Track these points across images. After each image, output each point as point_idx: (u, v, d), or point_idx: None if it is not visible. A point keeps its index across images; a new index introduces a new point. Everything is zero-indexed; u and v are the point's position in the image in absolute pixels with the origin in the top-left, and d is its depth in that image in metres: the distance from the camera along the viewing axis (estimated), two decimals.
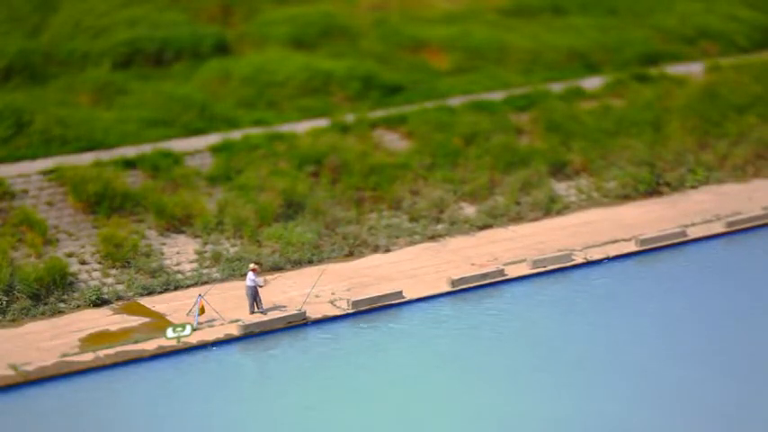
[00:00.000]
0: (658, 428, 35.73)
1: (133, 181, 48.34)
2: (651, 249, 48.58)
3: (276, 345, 40.98)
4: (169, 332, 40.29)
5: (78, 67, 57.01)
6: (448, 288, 44.77)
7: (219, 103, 55.07)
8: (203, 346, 40.56)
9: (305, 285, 44.28)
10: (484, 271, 45.70)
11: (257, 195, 48.57)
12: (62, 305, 42.61)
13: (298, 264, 46.40)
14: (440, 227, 49.69)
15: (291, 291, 44.23)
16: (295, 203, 48.75)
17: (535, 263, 46.46)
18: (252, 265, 42.38)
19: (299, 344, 41.03)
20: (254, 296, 42.15)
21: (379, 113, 55.30)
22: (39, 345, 39.97)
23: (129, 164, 49.07)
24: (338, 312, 42.85)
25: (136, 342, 40.40)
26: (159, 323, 41.60)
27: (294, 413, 36.79)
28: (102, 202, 46.69)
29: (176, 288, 44.24)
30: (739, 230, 50.70)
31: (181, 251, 45.98)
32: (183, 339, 40.43)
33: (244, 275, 45.04)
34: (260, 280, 42.27)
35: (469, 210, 50.98)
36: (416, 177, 51.82)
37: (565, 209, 52.24)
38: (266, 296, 43.31)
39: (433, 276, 45.65)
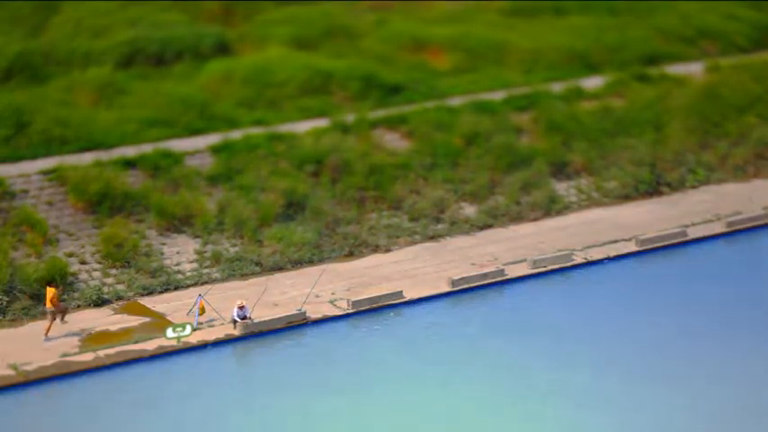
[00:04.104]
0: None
1: (133, 181, 48.35)
2: (651, 249, 48.58)
3: (276, 344, 40.98)
4: (169, 332, 40.29)
5: (79, 67, 57.04)
6: (448, 288, 44.77)
7: (220, 103, 55.09)
8: (203, 345, 40.58)
9: (305, 285, 44.29)
10: (484, 271, 45.70)
11: (258, 195, 48.57)
12: (62, 305, 42.56)
13: (298, 264, 46.40)
14: (440, 227, 49.71)
15: (291, 291, 44.24)
16: (295, 203, 48.75)
17: (535, 263, 46.46)
18: (239, 302, 41.89)
19: (298, 343, 41.07)
20: (234, 320, 41.61)
21: (380, 113, 55.31)
22: (39, 345, 39.97)
23: (129, 164, 49.07)
24: (338, 312, 42.85)
25: (136, 342, 40.40)
26: (159, 323, 41.60)
27: (293, 413, 36.81)
28: (102, 202, 46.69)
29: (176, 288, 44.25)
30: (739, 230, 50.69)
31: (181, 251, 45.99)
32: (183, 339, 40.44)
33: (244, 275, 45.14)
34: (241, 312, 41.57)
35: (470, 210, 50.99)
36: (416, 177, 51.83)
37: (565, 209, 52.27)
38: (266, 296, 43.30)
39: (433, 276, 45.65)
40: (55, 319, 40.74)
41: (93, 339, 40.47)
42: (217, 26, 63.32)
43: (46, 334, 40.46)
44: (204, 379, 38.79)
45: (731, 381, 38.37)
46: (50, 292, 40.70)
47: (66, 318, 41.44)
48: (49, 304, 40.58)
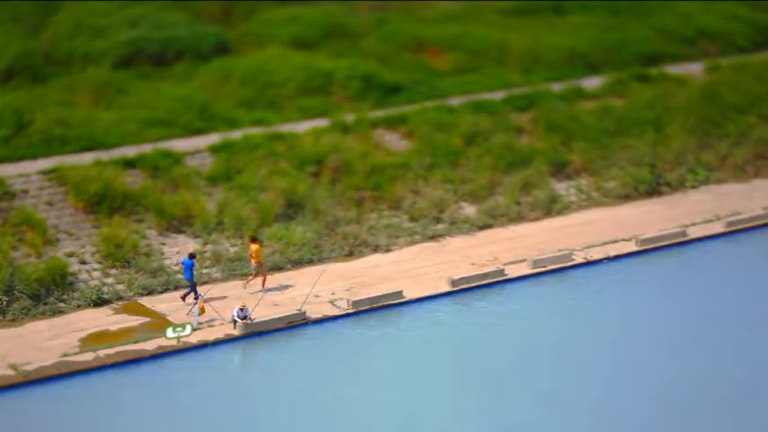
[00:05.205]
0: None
1: (133, 181, 48.35)
2: (651, 249, 48.58)
3: (276, 344, 40.99)
4: (169, 332, 40.29)
5: (79, 67, 57.07)
6: (448, 288, 44.79)
7: (219, 103, 55.08)
8: (203, 345, 40.58)
9: (305, 285, 44.31)
10: (484, 271, 45.71)
11: (257, 195, 48.58)
12: (62, 305, 42.62)
13: (298, 264, 46.41)
14: (440, 227, 49.71)
15: (291, 291, 44.26)
16: (295, 203, 48.76)
17: (535, 263, 46.47)
18: (240, 304, 41.88)
19: (298, 343, 41.08)
20: (235, 320, 41.65)
21: (380, 113, 55.32)
22: (39, 345, 39.97)
23: (129, 164, 49.08)
24: (338, 312, 42.86)
25: (136, 342, 40.41)
26: (159, 323, 41.61)
27: (293, 413, 36.82)
28: (102, 202, 46.69)
29: (176, 288, 44.24)
30: (739, 230, 50.70)
31: (181, 251, 45.98)
32: (183, 339, 40.44)
33: (244, 275, 45.15)
34: (242, 313, 41.57)
35: (470, 210, 50.99)
36: (416, 177, 51.83)
37: (565, 209, 52.26)
38: (267, 296, 43.32)
39: (432, 276, 45.65)
40: (263, 272, 43.90)
41: (93, 339, 40.49)
42: (217, 26, 63.28)
43: (263, 285, 43.94)
44: (204, 379, 38.79)
45: (730, 380, 38.40)
46: (254, 247, 43.59)
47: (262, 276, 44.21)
48: (255, 260, 43.49)
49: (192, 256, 43.25)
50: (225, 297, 43.42)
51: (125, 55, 58.99)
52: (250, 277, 44.25)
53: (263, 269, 44.17)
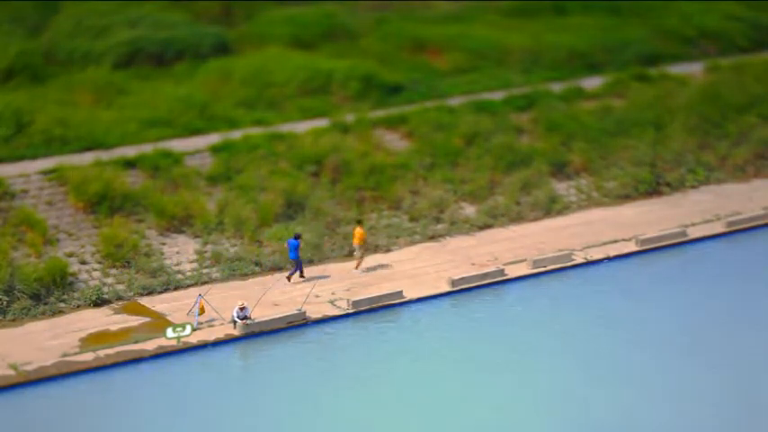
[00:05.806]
0: None
1: (133, 181, 48.36)
2: (651, 249, 48.59)
3: (276, 344, 40.99)
4: (169, 332, 40.30)
5: (79, 67, 57.08)
6: (448, 288, 44.79)
7: (219, 103, 55.10)
8: (203, 345, 40.57)
9: (305, 285, 44.30)
10: (484, 271, 45.72)
11: (257, 195, 48.58)
12: (62, 305, 42.62)
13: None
14: (440, 227, 49.71)
15: (291, 291, 44.26)
16: (295, 203, 48.76)
17: (535, 263, 46.47)
18: (240, 303, 41.80)
19: (298, 343, 41.08)
20: (234, 320, 41.62)
21: (380, 113, 55.33)
22: (39, 345, 39.98)
23: (129, 164, 49.08)
24: (338, 312, 42.86)
25: (136, 342, 40.40)
26: (159, 323, 41.61)
27: (293, 413, 36.83)
28: (102, 202, 46.69)
29: (176, 288, 44.25)
30: (739, 230, 50.71)
31: (181, 251, 46.01)
32: (182, 339, 40.44)
33: (244, 275, 45.18)
34: (242, 313, 41.52)
35: (470, 210, 51.00)
36: (416, 177, 51.84)
37: (565, 209, 52.27)
38: (267, 295, 43.32)
39: (433, 276, 45.66)
40: (363, 256, 45.86)
41: (93, 339, 40.49)
42: (217, 26, 63.33)
43: (356, 267, 45.87)
44: (204, 379, 38.79)
45: (728, 380, 38.41)
46: (360, 230, 45.70)
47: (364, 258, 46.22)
48: (358, 242, 45.63)
49: (297, 237, 44.85)
50: (327, 276, 45.29)
51: (125, 55, 59.04)
52: (358, 260, 45.93)
53: (363, 251, 45.95)
